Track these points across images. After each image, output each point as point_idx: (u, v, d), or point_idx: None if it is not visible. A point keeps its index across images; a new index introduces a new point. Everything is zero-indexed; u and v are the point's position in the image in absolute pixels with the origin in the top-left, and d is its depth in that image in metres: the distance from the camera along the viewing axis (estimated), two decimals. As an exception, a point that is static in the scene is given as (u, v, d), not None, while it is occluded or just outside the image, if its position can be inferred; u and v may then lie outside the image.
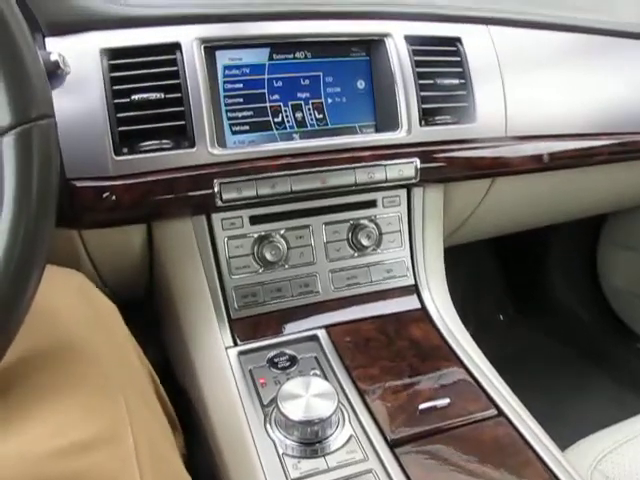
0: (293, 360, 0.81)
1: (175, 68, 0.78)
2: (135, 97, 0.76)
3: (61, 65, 0.57)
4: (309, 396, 0.69)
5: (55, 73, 0.56)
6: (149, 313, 0.97)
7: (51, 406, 0.51)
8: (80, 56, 0.74)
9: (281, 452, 0.68)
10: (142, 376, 0.70)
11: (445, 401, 0.75)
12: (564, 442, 0.80)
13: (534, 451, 0.70)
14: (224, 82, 0.83)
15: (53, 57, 0.56)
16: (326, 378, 0.78)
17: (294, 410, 0.68)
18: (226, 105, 0.83)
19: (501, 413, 0.75)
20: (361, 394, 0.76)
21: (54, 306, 0.63)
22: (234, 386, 0.76)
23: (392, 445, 0.70)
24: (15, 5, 0.48)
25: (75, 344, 0.58)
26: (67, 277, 0.72)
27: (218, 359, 0.81)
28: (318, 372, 0.79)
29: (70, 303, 0.66)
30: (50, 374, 0.54)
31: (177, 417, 0.82)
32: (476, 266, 1.77)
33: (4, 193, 0.46)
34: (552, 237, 1.68)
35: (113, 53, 0.76)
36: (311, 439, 0.68)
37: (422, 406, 0.74)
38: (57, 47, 0.73)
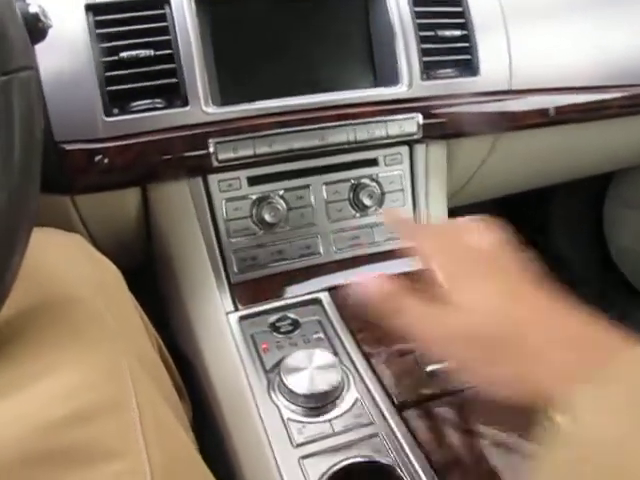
0: (296, 324, 0.79)
1: (165, 23, 0.75)
2: (124, 55, 0.73)
3: (41, 17, 0.53)
4: (312, 368, 0.68)
5: (36, 26, 0.53)
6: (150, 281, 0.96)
7: (49, 371, 0.49)
8: (64, 12, 0.71)
9: (286, 417, 0.66)
10: (147, 341, 0.69)
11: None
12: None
13: None
14: (217, 37, 0.79)
15: (32, 9, 0.52)
16: (330, 342, 0.76)
17: (298, 383, 0.67)
18: (220, 61, 0.80)
19: None
20: (366, 357, 0.74)
21: (56, 267, 0.61)
22: (236, 352, 0.75)
23: (399, 408, 0.68)
24: None
25: (77, 305, 0.56)
26: (70, 240, 0.71)
27: (219, 325, 0.79)
28: (322, 336, 0.77)
29: (73, 265, 0.64)
30: (48, 337, 0.52)
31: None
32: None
33: None
34: (557, 197, 1.66)
35: (99, 8, 0.73)
36: (316, 405, 0.67)
37: (429, 368, 0.72)
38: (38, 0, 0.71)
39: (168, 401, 0.62)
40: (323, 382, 0.67)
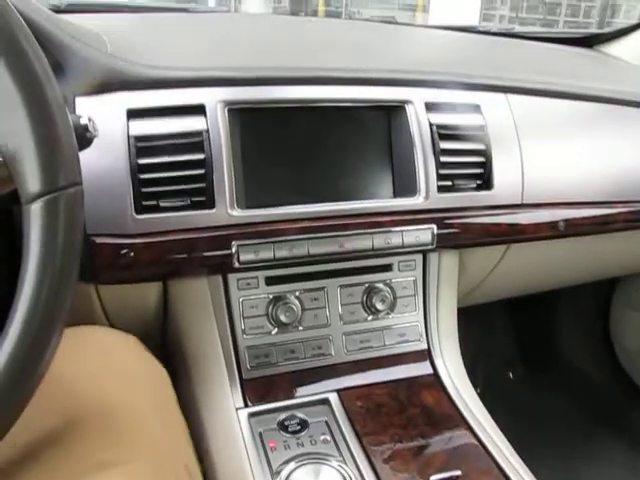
0: (304, 424, 0.80)
1: (199, 129, 0.79)
2: (158, 158, 0.77)
3: (90, 129, 0.57)
4: None
5: (84, 137, 0.56)
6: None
7: (96, 473, 0.51)
8: (107, 116, 0.75)
9: None
10: (188, 441, 0.70)
11: (456, 473, 0.74)
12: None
13: None
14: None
15: (83, 121, 0.56)
16: (336, 444, 0.77)
17: None
18: (247, 167, 0.83)
19: None
20: (371, 462, 0.75)
21: (110, 370, 0.64)
22: (243, 449, 0.76)
23: None
24: (50, 70, 0.49)
25: (125, 412, 0.59)
26: (126, 341, 0.74)
27: (228, 420, 0.80)
28: (328, 437, 0.78)
29: (127, 368, 0.67)
30: (97, 442, 0.54)
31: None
32: (487, 323, 1.76)
33: (28, 259, 0.47)
34: (564, 296, 1.67)
35: (139, 113, 0.77)
36: None
37: (433, 477, 0.73)
38: (85, 105, 0.75)
39: None
40: None
